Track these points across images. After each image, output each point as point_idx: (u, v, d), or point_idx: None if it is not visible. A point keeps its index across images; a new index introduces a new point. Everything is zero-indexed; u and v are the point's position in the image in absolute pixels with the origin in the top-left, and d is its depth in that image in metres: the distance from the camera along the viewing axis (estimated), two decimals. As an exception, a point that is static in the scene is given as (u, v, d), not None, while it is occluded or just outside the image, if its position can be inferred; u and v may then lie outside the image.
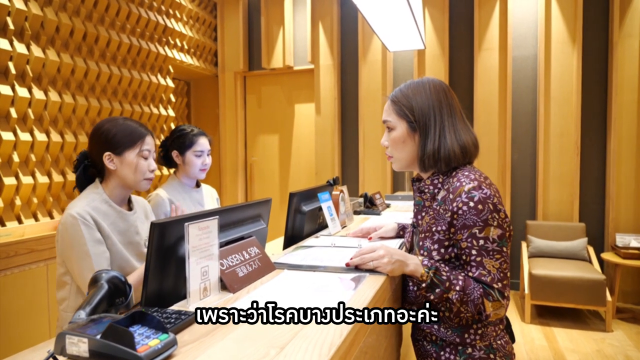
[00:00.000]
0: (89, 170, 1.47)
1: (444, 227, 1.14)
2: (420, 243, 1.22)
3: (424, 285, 1.12)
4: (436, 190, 1.21)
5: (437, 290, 1.11)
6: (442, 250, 1.16)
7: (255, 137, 5.20)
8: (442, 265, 1.14)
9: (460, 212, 1.10)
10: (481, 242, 1.09)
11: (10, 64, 2.70)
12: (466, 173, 1.15)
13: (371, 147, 4.61)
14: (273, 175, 5.15)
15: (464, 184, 1.12)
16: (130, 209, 1.53)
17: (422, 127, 1.19)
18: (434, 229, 1.17)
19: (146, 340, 0.69)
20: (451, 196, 1.13)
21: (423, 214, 1.25)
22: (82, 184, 1.47)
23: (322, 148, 4.76)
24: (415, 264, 1.14)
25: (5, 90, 2.65)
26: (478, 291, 1.09)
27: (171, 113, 4.18)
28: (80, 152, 1.48)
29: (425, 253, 1.19)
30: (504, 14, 4.13)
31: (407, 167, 1.27)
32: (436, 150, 1.17)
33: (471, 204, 1.09)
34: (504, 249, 1.10)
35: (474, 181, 1.11)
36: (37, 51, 2.84)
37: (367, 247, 1.21)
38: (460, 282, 1.10)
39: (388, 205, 2.71)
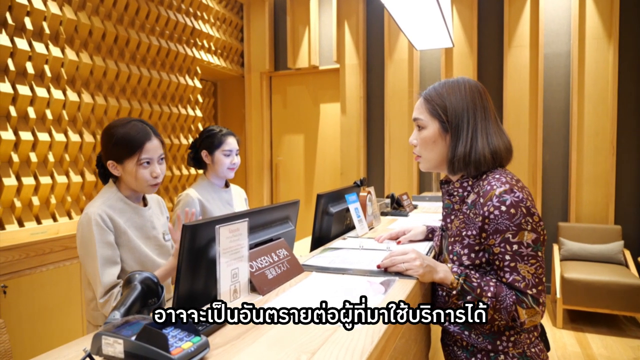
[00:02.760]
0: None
1: (474, 232, 1.12)
2: (450, 247, 1.19)
3: (454, 292, 1.10)
4: (465, 194, 1.18)
5: (469, 297, 1.08)
6: (473, 255, 1.13)
7: (281, 137, 5.22)
8: (472, 272, 1.12)
9: (491, 216, 1.07)
10: (515, 247, 1.06)
11: (46, 67, 2.78)
12: (497, 176, 1.12)
13: (397, 147, 4.56)
14: (298, 175, 5.16)
15: (494, 187, 1.08)
16: (145, 204, 1.56)
17: (454, 128, 1.16)
18: (463, 233, 1.14)
19: (179, 342, 0.70)
20: (482, 200, 1.10)
21: (452, 217, 1.22)
22: (104, 178, 1.53)
23: (348, 148, 4.74)
24: (444, 271, 1.12)
25: (42, 92, 2.74)
26: (511, 298, 1.06)
27: (198, 113, 4.24)
28: (98, 154, 1.53)
29: (455, 258, 1.16)
30: (535, 10, 4.02)
31: (435, 168, 1.24)
32: (467, 154, 1.14)
33: (503, 208, 1.05)
34: (539, 253, 1.07)
35: (505, 184, 1.08)
36: (71, 54, 2.93)
37: (398, 250, 1.19)
38: (491, 289, 1.07)
39: (415, 207, 2.67)
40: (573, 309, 3.39)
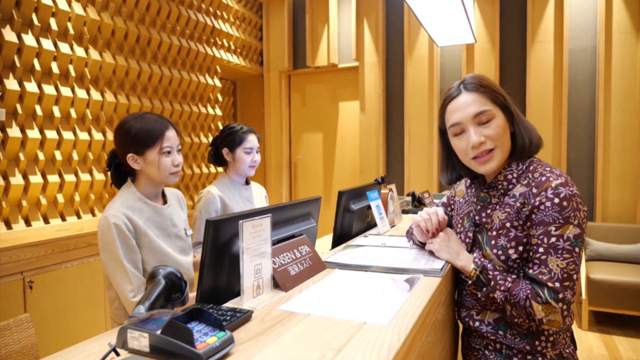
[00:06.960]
0: (122, 167, 1.48)
1: (521, 222, 1.08)
2: (493, 242, 1.13)
3: (470, 282, 1.12)
4: (510, 186, 1.13)
5: (484, 289, 1.09)
6: (521, 249, 1.08)
7: (300, 135, 5.22)
8: (491, 266, 1.10)
9: (542, 207, 1.03)
10: (553, 239, 1.01)
11: (71, 67, 2.84)
12: (548, 168, 1.10)
13: (417, 145, 4.51)
14: (317, 173, 5.15)
15: (550, 179, 1.05)
16: (164, 202, 1.54)
17: (514, 116, 1.15)
18: (508, 225, 1.10)
19: (204, 337, 0.69)
20: (535, 190, 1.06)
21: (488, 211, 1.16)
22: (117, 181, 1.50)
23: (367, 146, 4.71)
24: (467, 258, 1.14)
25: (66, 92, 2.79)
26: (525, 292, 1.01)
27: (218, 112, 4.27)
28: (110, 151, 1.49)
29: (500, 252, 1.11)
30: (559, 4, 3.92)
31: (506, 160, 1.15)
32: (530, 140, 1.13)
33: (556, 200, 1.02)
34: (576, 249, 1.01)
35: (561, 177, 1.05)
36: (94, 54, 2.98)
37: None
38: (507, 283, 1.05)
39: (437, 205, 2.63)
40: (599, 310, 3.30)
